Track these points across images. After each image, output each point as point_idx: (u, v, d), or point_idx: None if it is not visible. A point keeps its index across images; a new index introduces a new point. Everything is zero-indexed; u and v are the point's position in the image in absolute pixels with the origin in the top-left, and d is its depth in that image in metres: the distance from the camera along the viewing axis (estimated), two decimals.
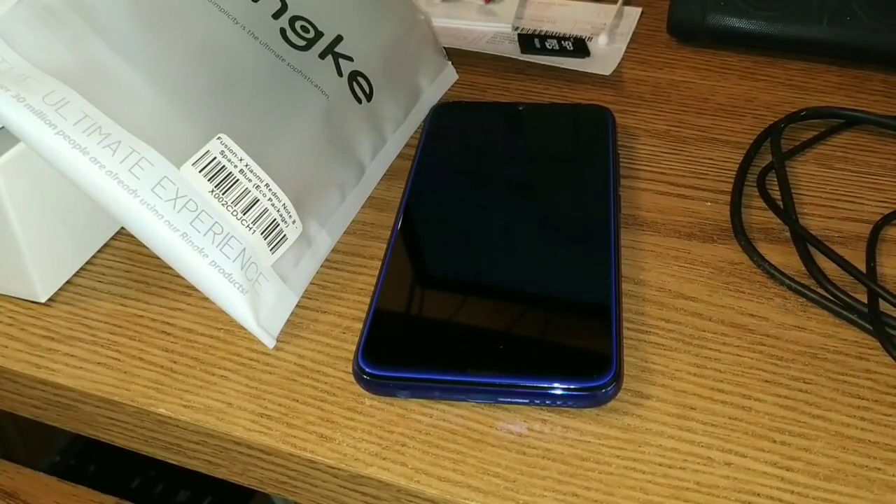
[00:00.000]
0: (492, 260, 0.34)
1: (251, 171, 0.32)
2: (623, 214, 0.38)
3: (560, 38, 0.50)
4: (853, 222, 0.37)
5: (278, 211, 0.33)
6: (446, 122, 0.42)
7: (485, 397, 0.29)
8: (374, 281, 0.34)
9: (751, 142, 0.42)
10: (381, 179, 0.41)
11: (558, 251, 0.34)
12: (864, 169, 0.40)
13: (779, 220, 0.37)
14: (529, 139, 0.42)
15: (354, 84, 0.39)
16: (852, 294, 0.32)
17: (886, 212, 0.37)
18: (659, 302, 0.33)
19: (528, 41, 0.50)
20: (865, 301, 0.32)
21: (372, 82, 0.40)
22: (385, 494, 0.28)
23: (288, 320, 0.33)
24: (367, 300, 0.34)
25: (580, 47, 0.49)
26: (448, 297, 0.32)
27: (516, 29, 0.53)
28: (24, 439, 0.86)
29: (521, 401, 0.29)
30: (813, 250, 0.35)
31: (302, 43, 0.37)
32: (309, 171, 0.35)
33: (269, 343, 0.32)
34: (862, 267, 0.34)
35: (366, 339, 0.30)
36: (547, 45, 0.50)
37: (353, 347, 0.32)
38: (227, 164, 0.32)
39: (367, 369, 0.29)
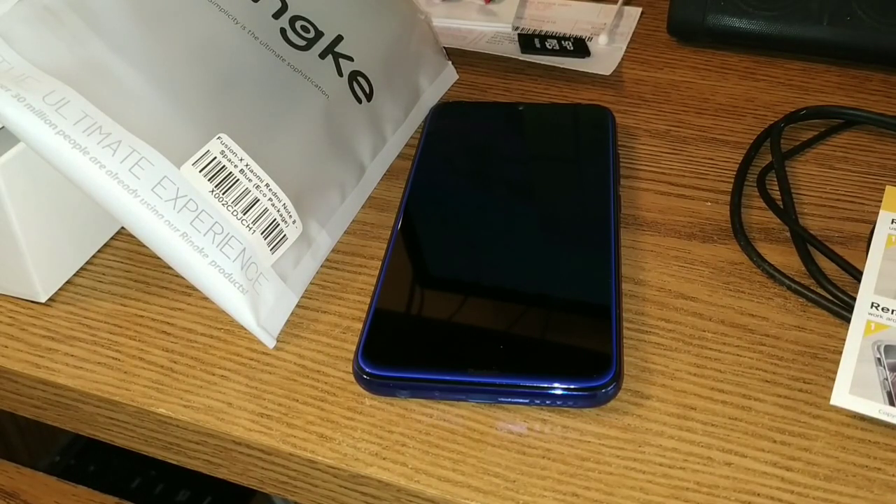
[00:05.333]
0: (492, 260, 0.34)
1: (251, 171, 0.32)
2: (623, 214, 0.38)
3: (560, 38, 0.50)
4: (853, 222, 0.37)
5: (278, 211, 0.33)
6: (446, 122, 0.42)
7: (485, 397, 0.29)
8: (374, 281, 0.34)
9: (751, 142, 0.42)
10: (381, 179, 0.41)
11: (558, 251, 0.34)
12: (864, 169, 0.40)
13: (779, 220, 0.37)
14: (529, 139, 0.41)
15: (354, 84, 0.39)
16: (852, 294, 0.32)
17: None
18: (659, 302, 0.33)
19: (528, 41, 0.50)
20: None
21: (372, 82, 0.40)
22: (385, 494, 0.28)
23: (288, 320, 0.33)
24: (367, 300, 0.34)
25: (580, 47, 0.49)
26: (448, 297, 0.32)
27: (516, 29, 0.53)
28: (24, 439, 0.86)
29: (521, 401, 0.29)
30: (813, 250, 0.35)
31: (302, 43, 0.37)
32: (309, 171, 0.35)
33: (270, 343, 0.32)
34: (862, 267, 0.34)
35: (366, 339, 0.30)
36: (547, 45, 0.50)
37: (353, 347, 0.32)
38: (228, 164, 0.32)
39: (367, 369, 0.29)
